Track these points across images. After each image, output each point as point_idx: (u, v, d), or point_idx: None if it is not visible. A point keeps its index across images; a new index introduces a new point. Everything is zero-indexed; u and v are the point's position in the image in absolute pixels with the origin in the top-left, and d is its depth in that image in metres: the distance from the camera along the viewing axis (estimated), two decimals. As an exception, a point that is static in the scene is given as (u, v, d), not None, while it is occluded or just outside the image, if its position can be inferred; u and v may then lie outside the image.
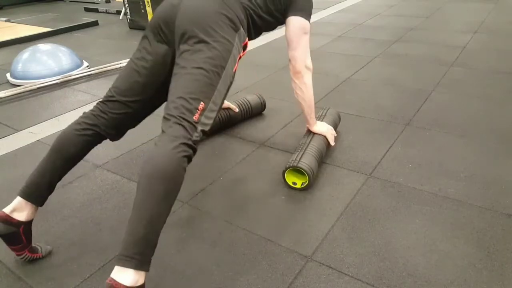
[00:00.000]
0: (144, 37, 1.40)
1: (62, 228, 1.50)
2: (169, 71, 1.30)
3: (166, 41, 1.34)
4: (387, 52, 3.30)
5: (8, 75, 3.13)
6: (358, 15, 4.65)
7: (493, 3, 4.80)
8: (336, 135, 1.92)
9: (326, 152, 1.82)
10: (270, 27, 1.60)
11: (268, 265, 1.29)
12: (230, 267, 1.29)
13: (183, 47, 1.25)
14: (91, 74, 3.09)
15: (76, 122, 1.35)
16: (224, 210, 1.55)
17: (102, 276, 1.28)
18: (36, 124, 2.36)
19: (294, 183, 1.65)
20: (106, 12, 5.74)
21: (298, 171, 1.66)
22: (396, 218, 1.46)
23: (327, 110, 2.02)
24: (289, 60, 1.64)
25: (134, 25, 4.64)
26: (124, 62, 3.23)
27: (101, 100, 1.38)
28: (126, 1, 4.55)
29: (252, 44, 3.72)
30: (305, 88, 1.68)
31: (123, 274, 0.99)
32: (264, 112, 2.35)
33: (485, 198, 1.54)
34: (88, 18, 5.24)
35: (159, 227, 1.05)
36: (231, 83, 1.30)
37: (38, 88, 2.87)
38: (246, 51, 1.41)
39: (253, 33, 1.51)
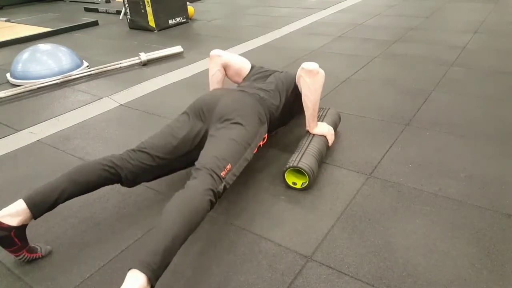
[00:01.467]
0: (185, 112, 1.65)
1: (62, 228, 1.50)
2: (197, 144, 1.54)
3: (203, 120, 1.59)
4: (387, 52, 3.30)
5: (8, 75, 3.14)
6: (358, 15, 4.65)
7: (493, 3, 4.80)
8: (334, 138, 1.93)
9: (326, 152, 1.82)
10: (284, 124, 1.95)
11: (268, 265, 1.29)
12: (230, 267, 1.29)
13: (220, 125, 1.52)
14: (91, 74, 3.09)
15: (104, 158, 1.46)
16: (224, 210, 1.55)
17: (102, 276, 1.28)
18: (36, 124, 2.36)
19: (294, 183, 1.65)
20: (106, 12, 5.74)
21: (298, 171, 1.66)
22: (396, 218, 1.46)
23: (327, 110, 2.02)
24: (302, 69, 1.71)
25: (134, 25, 4.64)
26: (124, 62, 3.23)
27: (133, 148, 1.51)
28: (126, 1, 4.55)
29: (252, 44, 3.73)
30: (314, 86, 1.71)
31: (135, 281, 1.00)
32: (264, 112, 2.34)
33: (485, 198, 1.54)
34: (88, 18, 5.24)
35: (177, 248, 1.11)
36: (249, 160, 1.52)
37: (38, 88, 2.86)
38: (265, 142, 1.68)
39: (270, 129, 1.77)
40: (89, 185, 1.39)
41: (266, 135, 1.69)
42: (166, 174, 1.61)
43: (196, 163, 1.38)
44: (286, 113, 1.84)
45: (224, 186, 1.33)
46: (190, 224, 1.15)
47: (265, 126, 1.66)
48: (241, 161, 1.45)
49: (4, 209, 1.24)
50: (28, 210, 1.25)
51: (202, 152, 1.42)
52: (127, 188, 1.70)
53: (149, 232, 1.09)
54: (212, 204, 1.26)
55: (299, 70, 1.74)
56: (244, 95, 1.70)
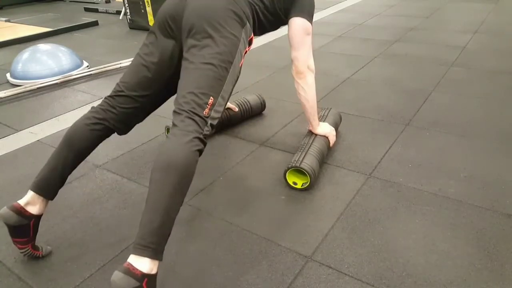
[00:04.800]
0: (151, 32, 1.41)
1: (62, 228, 1.50)
2: (176, 66, 1.34)
3: (173, 36, 1.35)
4: (387, 52, 3.30)
5: (8, 75, 3.13)
6: (358, 15, 4.65)
7: (493, 3, 4.80)
8: (335, 139, 1.92)
9: (327, 153, 1.82)
10: (274, 26, 1.62)
11: (268, 265, 1.29)
12: (230, 267, 1.29)
13: (190, 41, 1.27)
14: (91, 74, 3.09)
15: (86, 117, 1.37)
16: (224, 210, 1.55)
17: (102, 276, 1.28)
18: (36, 124, 2.36)
19: (295, 183, 1.65)
20: (106, 12, 5.74)
21: (299, 171, 1.66)
22: (396, 218, 1.46)
23: (329, 111, 2.02)
24: (292, 61, 1.65)
25: (134, 25, 4.64)
26: (124, 62, 3.23)
27: (109, 94, 1.40)
28: (126, 1, 4.55)
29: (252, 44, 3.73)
30: (308, 88, 1.69)
31: (139, 262, 1.01)
32: (264, 112, 2.35)
33: (485, 198, 1.54)
34: (88, 18, 5.24)
35: (173, 217, 1.08)
36: (237, 77, 1.35)
37: (38, 88, 2.86)
38: (251, 46, 1.44)
39: (257, 30, 1.54)
40: (86, 150, 1.36)
41: (252, 36, 1.43)
42: (158, 106, 1.51)
43: (174, 103, 1.23)
44: (276, 10, 1.55)
45: (211, 125, 1.21)
46: (180, 187, 1.09)
47: (248, 27, 1.37)
48: (226, 86, 1.26)
49: (24, 198, 1.25)
50: (41, 198, 1.26)
51: (178, 87, 1.25)
52: (127, 188, 1.71)
53: (143, 211, 1.06)
54: (200, 152, 1.17)
55: (291, 57, 1.64)
56: None
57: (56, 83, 2.95)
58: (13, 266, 1.33)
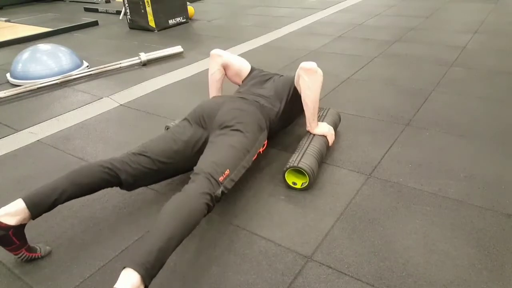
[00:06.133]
0: (186, 119, 1.67)
1: (62, 228, 1.50)
2: (198, 149, 1.55)
3: (204, 127, 1.61)
4: (387, 52, 3.30)
5: (8, 75, 3.13)
6: (358, 15, 4.65)
7: (493, 3, 4.80)
8: (334, 138, 1.93)
9: (326, 153, 1.82)
10: (283, 128, 1.97)
11: (268, 265, 1.29)
12: (229, 267, 1.29)
13: (220, 132, 1.54)
14: (91, 74, 3.09)
15: (104, 160, 1.45)
16: (224, 210, 1.55)
17: (102, 276, 1.28)
18: (36, 124, 2.36)
19: (294, 183, 1.65)
20: (106, 12, 5.74)
21: (298, 171, 1.66)
22: (396, 218, 1.46)
23: (327, 111, 2.02)
24: (301, 68, 1.72)
25: (134, 25, 4.64)
26: (124, 62, 3.23)
27: (133, 152, 1.51)
28: (126, 1, 4.55)
29: (252, 44, 3.73)
30: (314, 87, 1.73)
31: (128, 279, 1.00)
32: (264, 112, 2.34)
33: (485, 198, 1.54)
34: (88, 18, 5.24)
35: (171, 248, 1.11)
36: (249, 166, 1.53)
37: (38, 88, 2.86)
38: (264, 148, 1.69)
39: (270, 136, 1.78)
40: (88, 187, 1.39)
41: (266, 141, 1.71)
42: (165, 179, 1.62)
43: (194, 168, 1.39)
44: (285, 117, 1.87)
45: (222, 191, 1.34)
46: (186, 226, 1.16)
47: (265, 133, 1.69)
48: (240, 167, 1.46)
49: (2, 208, 1.24)
50: (27, 210, 1.25)
51: (201, 157, 1.44)
52: (127, 188, 1.71)
53: (145, 233, 1.10)
54: (209, 208, 1.27)
55: (298, 70, 1.75)
56: (244, 103, 1.71)
57: (56, 83, 2.95)
58: (13, 266, 1.33)
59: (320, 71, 1.73)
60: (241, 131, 1.53)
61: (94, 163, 1.43)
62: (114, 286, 1.00)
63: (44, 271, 1.31)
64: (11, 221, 1.24)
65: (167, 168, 1.54)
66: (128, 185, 1.48)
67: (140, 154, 1.50)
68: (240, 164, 1.46)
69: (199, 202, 1.23)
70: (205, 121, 1.61)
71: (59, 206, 1.33)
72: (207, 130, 1.60)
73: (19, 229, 1.27)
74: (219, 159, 1.40)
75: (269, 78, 1.96)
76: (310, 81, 1.71)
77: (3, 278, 1.30)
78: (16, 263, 1.34)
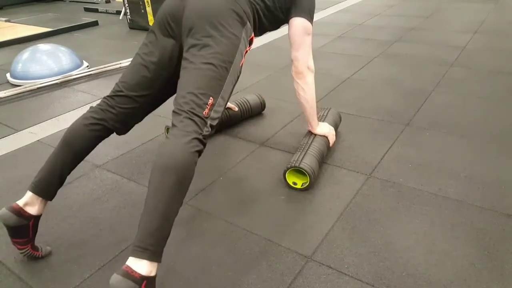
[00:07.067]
0: (151, 31, 1.40)
1: (62, 228, 1.50)
2: (175, 66, 1.33)
3: (173, 35, 1.35)
4: (387, 52, 3.30)
5: (8, 75, 3.13)
6: (358, 15, 4.65)
7: (493, 3, 4.80)
8: (335, 139, 1.92)
9: (327, 153, 1.82)
10: (274, 26, 1.60)
11: (268, 265, 1.29)
12: (230, 267, 1.29)
13: (190, 41, 1.26)
14: (91, 74, 3.09)
15: (84, 117, 1.35)
16: (224, 210, 1.55)
17: (102, 276, 1.28)
18: (36, 124, 2.36)
19: (295, 183, 1.65)
20: (106, 12, 5.74)
21: (299, 171, 1.66)
22: (396, 218, 1.46)
23: (328, 111, 2.02)
24: (292, 61, 1.65)
25: (134, 25, 4.64)
26: (124, 62, 3.23)
27: (108, 95, 1.38)
28: (126, 1, 4.55)
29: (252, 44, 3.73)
30: (308, 88, 1.68)
31: (138, 264, 1.01)
32: (264, 112, 2.35)
33: (485, 198, 1.54)
34: (88, 18, 5.24)
35: (172, 218, 1.08)
36: (238, 77, 1.34)
37: (38, 88, 2.87)
38: (252, 45, 1.43)
39: (258, 29, 1.51)
40: (85, 150, 1.35)
41: (253, 35, 1.42)
42: (157, 106, 1.50)
43: (173, 103, 1.22)
44: (277, 9, 1.53)
45: (210, 125, 1.20)
46: (179, 190, 1.09)
47: (249, 26, 1.36)
48: (226, 86, 1.25)
49: (22, 199, 1.25)
50: (40, 198, 1.26)
51: (178, 87, 1.24)
52: (127, 188, 1.71)
53: (142, 212, 1.07)
54: (200, 153, 1.16)
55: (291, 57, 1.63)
56: None
57: (56, 83, 2.95)
58: (13, 266, 1.33)
59: (310, 71, 1.64)
60: (214, 37, 1.24)
61: (77, 124, 1.34)
62: (126, 263, 1.00)
63: (44, 271, 1.31)
64: (33, 210, 1.25)
65: (151, 98, 1.41)
66: (120, 130, 1.40)
67: (115, 96, 1.36)
68: (225, 83, 1.24)
69: (187, 154, 1.10)
70: (171, 27, 1.34)
71: (59, 206, 1.33)
72: (177, 39, 1.34)
73: (37, 220, 1.28)
74: (197, 87, 1.19)
75: None
76: (302, 83, 1.66)
77: (3, 278, 1.30)
78: (16, 263, 1.34)
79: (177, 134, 1.14)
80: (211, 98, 1.20)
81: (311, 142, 1.75)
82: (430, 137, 1.99)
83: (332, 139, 1.86)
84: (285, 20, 1.60)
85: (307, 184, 1.62)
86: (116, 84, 1.40)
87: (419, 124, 2.11)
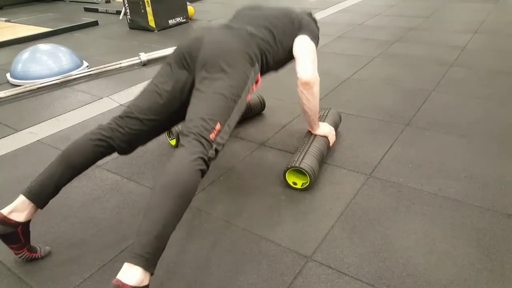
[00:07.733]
0: (167, 64, 1.50)
1: (62, 228, 1.50)
2: (186, 97, 1.42)
3: (187, 69, 1.45)
4: (387, 52, 3.30)
5: (8, 75, 3.13)
6: (358, 15, 4.65)
7: (493, 3, 4.80)
8: (335, 139, 1.92)
9: (327, 153, 1.82)
10: (278, 66, 1.74)
11: (268, 265, 1.29)
12: (230, 267, 1.29)
13: (204, 74, 1.37)
14: (91, 74, 3.09)
15: (92, 132, 1.39)
16: (224, 210, 1.55)
17: (102, 276, 1.28)
18: (36, 124, 2.36)
19: (295, 183, 1.65)
20: (106, 12, 5.74)
21: (299, 171, 1.66)
22: (396, 218, 1.46)
23: (328, 111, 2.02)
24: (298, 73, 1.65)
25: (134, 25, 4.64)
26: (124, 62, 3.23)
27: (119, 115, 1.43)
28: (126, 1, 4.55)
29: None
30: (313, 98, 1.69)
31: (130, 273, 1.00)
32: (264, 112, 2.35)
33: (485, 198, 1.54)
34: (88, 18, 5.24)
35: (169, 232, 1.09)
36: (242, 111, 1.43)
37: (38, 88, 2.86)
38: (258, 85, 1.53)
39: (264, 71, 1.63)
40: (85, 165, 1.36)
41: (259, 75, 1.53)
42: (162, 133, 1.54)
43: (183, 127, 1.29)
44: (282, 52, 1.65)
45: (216, 149, 1.26)
46: (180, 204, 1.12)
47: (257, 67, 1.49)
48: (232, 116, 1.34)
49: (9, 206, 1.24)
50: (32, 204, 1.25)
51: (188, 112, 1.32)
52: (127, 188, 1.71)
53: (141, 221, 1.07)
54: (203, 173, 1.20)
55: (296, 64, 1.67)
56: (229, 34, 1.50)
57: (56, 83, 2.95)
58: (13, 266, 1.33)
59: (316, 80, 1.67)
60: (227, 72, 1.35)
61: (83, 138, 1.37)
62: (116, 277, 0.99)
63: (44, 271, 1.31)
64: (20, 217, 1.24)
65: (159, 124, 1.46)
66: (124, 150, 1.43)
67: (126, 117, 1.41)
68: (232, 113, 1.33)
69: (192, 171, 1.16)
70: (187, 62, 1.44)
71: (60, 206, 1.33)
72: (191, 72, 1.44)
73: (26, 226, 1.27)
74: (207, 113, 1.27)
75: (261, 8, 1.75)
76: (308, 94, 1.66)
77: (3, 278, 1.30)
78: (16, 263, 1.34)
79: (184, 153, 1.20)
80: (218, 123, 1.28)
81: (311, 142, 1.75)
82: (430, 137, 1.99)
83: (332, 139, 1.86)
84: (290, 58, 1.72)
85: (307, 184, 1.62)
86: (128, 106, 1.45)
87: (419, 124, 2.11)
